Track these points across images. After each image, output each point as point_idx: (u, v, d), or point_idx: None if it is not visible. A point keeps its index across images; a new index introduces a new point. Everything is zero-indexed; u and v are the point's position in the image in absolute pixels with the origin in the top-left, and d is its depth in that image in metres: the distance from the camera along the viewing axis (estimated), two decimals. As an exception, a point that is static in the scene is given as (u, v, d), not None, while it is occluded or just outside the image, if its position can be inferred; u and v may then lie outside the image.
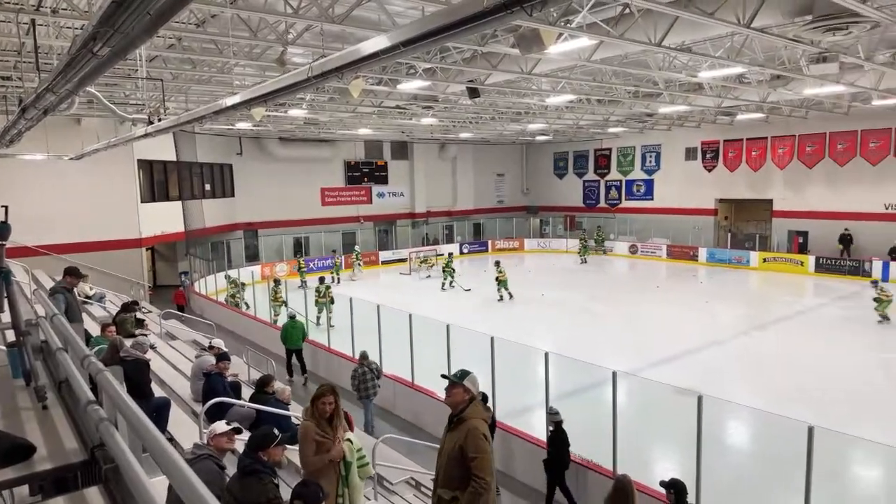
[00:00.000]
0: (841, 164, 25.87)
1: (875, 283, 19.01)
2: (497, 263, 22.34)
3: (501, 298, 21.40)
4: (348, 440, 4.72)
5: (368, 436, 9.15)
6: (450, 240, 35.22)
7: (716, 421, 9.05)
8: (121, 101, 17.41)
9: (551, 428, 7.96)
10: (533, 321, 18.42)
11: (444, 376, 4.46)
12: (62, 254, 18.40)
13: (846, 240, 25.11)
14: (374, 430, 10.43)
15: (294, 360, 13.75)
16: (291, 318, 13.78)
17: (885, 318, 17.49)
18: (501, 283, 21.46)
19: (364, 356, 10.70)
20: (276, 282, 18.92)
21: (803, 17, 9.14)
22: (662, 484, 5.88)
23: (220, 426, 4.42)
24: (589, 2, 9.15)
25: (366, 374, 10.46)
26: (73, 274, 7.48)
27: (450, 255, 25.46)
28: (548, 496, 7.92)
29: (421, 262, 28.76)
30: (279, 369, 13.04)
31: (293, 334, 13.56)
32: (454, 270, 24.21)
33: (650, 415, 10.52)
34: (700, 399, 6.67)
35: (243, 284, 21.10)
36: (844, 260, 24.80)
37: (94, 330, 9.64)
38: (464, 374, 4.27)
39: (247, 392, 8.75)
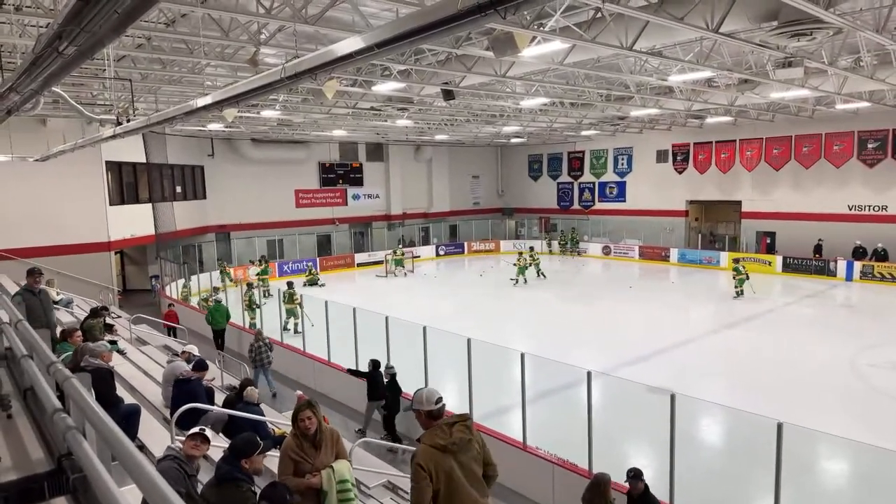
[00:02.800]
0: (806, 166, 26.55)
1: (520, 254, 24.47)
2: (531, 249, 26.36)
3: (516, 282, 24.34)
4: (329, 467, 4.43)
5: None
6: (426, 241, 35.18)
7: (688, 418, 9.20)
8: (88, 102, 17.00)
9: (387, 379, 10.02)
10: (508, 322, 18.50)
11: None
12: (28, 258, 17.87)
13: (819, 248, 25.68)
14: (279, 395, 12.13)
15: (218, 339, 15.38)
16: (217, 301, 15.79)
17: (516, 281, 23.82)
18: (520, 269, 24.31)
19: (259, 332, 12.68)
20: (250, 286, 18.64)
21: (769, 22, 9.36)
22: (629, 478, 6.10)
23: (192, 431, 4.34)
24: (562, 5, 9.26)
25: (261, 348, 12.32)
26: (29, 274, 7.25)
27: (531, 248, 27.67)
28: (386, 428, 9.98)
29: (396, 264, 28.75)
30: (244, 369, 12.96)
31: (217, 317, 15.41)
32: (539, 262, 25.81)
33: (625, 413, 10.63)
34: (673, 397, 6.76)
35: (216, 288, 20.77)
36: (810, 260, 25.45)
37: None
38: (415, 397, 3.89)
39: (220, 398, 8.59)
